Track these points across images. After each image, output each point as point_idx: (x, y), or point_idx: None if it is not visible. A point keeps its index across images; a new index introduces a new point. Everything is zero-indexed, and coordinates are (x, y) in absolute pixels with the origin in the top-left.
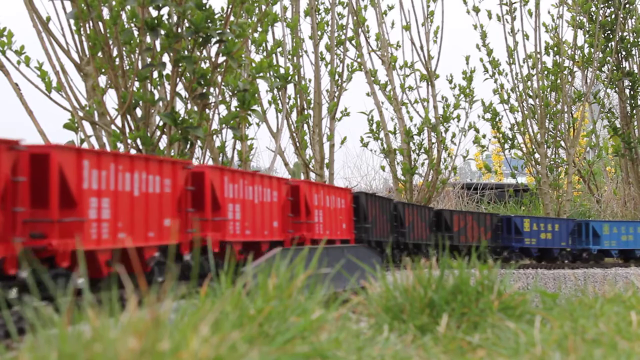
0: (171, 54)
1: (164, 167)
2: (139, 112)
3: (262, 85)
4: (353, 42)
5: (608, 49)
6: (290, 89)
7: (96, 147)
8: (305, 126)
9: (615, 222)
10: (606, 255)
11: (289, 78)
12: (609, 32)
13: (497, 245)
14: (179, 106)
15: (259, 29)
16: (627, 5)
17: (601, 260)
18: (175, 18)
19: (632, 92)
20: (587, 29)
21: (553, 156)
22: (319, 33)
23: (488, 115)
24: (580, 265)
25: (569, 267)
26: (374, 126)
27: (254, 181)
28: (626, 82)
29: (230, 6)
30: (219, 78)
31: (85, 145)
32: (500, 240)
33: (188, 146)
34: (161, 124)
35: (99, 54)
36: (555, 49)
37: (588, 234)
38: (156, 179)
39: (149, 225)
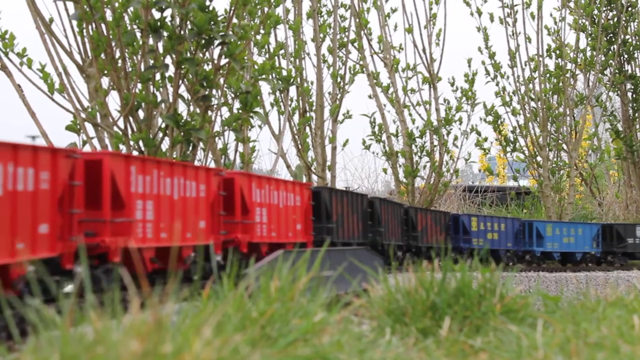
0: (174, 56)
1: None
2: (141, 113)
3: (265, 88)
4: (355, 44)
5: (610, 52)
6: (293, 91)
7: (98, 148)
8: (308, 128)
9: (558, 222)
10: (548, 258)
11: (291, 80)
12: (612, 35)
13: (454, 246)
14: (182, 108)
15: (262, 31)
16: (630, 9)
17: (543, 263)
18: (178, 20)
19: (634, 95)
20: (590, 32)
21: (555, 159)
22: (322, 35)
23: (490, 118)
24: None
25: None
26: (376, 129)
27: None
28: (628, 85)
29: (233, 8)
30: (222, 80)
31: (87, 147)
32: (452, 241)
33: (190, 148)
34: (163, 125)
35: (102, 55)
36: (558, 51)
37: (532, 234)
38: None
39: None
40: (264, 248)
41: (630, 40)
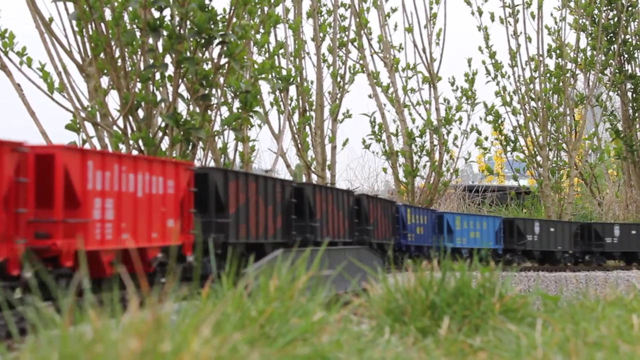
0: (173, 55)
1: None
2: (141, 113)
3: (264, 87)
4: (355, 44)
5: (610, 52)
6: (293, 90)
7: (98, 148)
8: (307, 128)
9: (466, 215)
10: (459, 254)
11: (291, 80)
12: (612, 34)
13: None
14: (181, 107)
15: (262, 31)
16: (630, 8)
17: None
18: (177, 19)
19: (634, 95)
20: (590, 31)
21: (555, 159)
22: (321, 35)
23: (490, 118)
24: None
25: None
26: (376, 128)
27: None
28: (628, 85)
29: (233, 8)
30: (221, 79)
31: (87, 146)
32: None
33: (190, 147)
34: (163, 125)
35: (101, 55)
36: (558, 51)
37: (442, 228)
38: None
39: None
40: (108, 257)
41: (630, 40)
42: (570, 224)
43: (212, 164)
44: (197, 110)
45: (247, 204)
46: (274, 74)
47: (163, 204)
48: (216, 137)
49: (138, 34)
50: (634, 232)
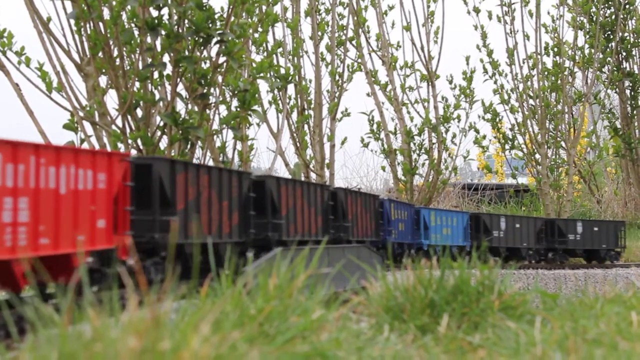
0: (172, 54)
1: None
2: (139, 112)
3: (263, 86)
4: (353, 42)
5: (608, 50)
6: (291, 89)
7: (97, 147)
8: (306, 126)
9: (440, 210)
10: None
11: (290, 78)
12: (610, 32)
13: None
14: (180, 106)
15: (260, 29)
16: (628, 6)
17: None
18: (175, 18)
19: (632, 93)
20: (588, 29)
21: (553, 157)
22: (320, 33)
23: (488, 116)
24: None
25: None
26: (375, 126)
27: None
28: (627, 83)
29: (231, 6)
30: (220, 78)
31: (85, 145)
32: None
33: (189, 146)
34: (162, 124)
35: (100, 54)
36: (556, 49)
37: (419, 224)
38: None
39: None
40: (21, 268)
41: (628, 37)
42: (535, 219)
43: (211, 162)
44: (196, 109)
45: (197, 199)
46: (272, 73)
47: (92, 201)
48: (215, 136)
49: (136, 33)
50: (596, 228)
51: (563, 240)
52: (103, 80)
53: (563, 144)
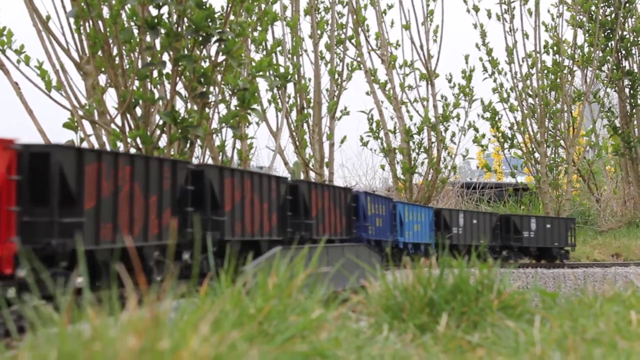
0: (171, 53)
1: None
2: (138, 111)
3: (262, 84)
4: (353, 41)
5: (608, 48)
6: (290, 88)
7: (96, 146)
8: (305, 125)
9: (412, 205)
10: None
11: (289, 77)
12: (609, 31)
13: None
14: (179, 105)
15: (259, 28)
16: (627, 5)
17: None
18: (175, 17)
19: (631, 92)
20: (587, 28)
21: (553, 155)
22: (319, 32)
23: (488, 115)
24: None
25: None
26: (374, 125)
27: None
28: (626, 82)
29: (230, 5)
30: (219, 77)
31: (85, 145)
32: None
33: (188, 145)
34: (161, 122)
35: (99, 52)
36: (555, 48)
37: (396, 220)
38: None
39: None
40: None
41: (627, 36)
42: (491, 215)
43: (210, 161)
44: (195, 108)
45: (115, 196)
46: (271, 72)
47: None
48: (214, 135)
49: (136, 31)
50: (548, 225)
51: (518, 238)
52: (102, 79)
53: (562, 142)
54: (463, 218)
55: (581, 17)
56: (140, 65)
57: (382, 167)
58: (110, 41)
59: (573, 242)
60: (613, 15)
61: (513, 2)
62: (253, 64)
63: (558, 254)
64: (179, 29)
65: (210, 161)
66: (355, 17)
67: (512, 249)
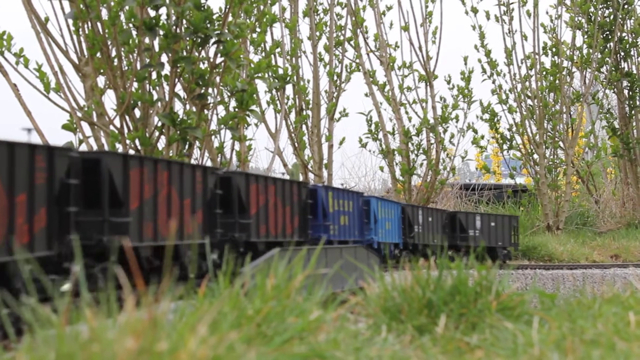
0: (170, 55)
1: None
2: (137, 112)
3: (261, 86)
4: (352, 42)
5: (607, 50)
6: (289, 89)
7: (95, 147)
8: (304, 127)
9: (384, 200)
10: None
11: (288, 79)
12: (608, 32)
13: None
14: (178, 107)
15: (258, 30)
16: (626, 6)
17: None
18: (173, 18)
19: (630, 93)
20: (586, 29)
21: (552, 157)
22: (318, 34)
23: (486, 116)
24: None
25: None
26: (373, 127)
27: None
28: (625, 83)
29: (229, 7)
30: (218, 78)
31: (83, 146)
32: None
33: (187, 147)
34: (160, 124)
35: (98, 54)
36: (554, 49)
37: (369, 216)
38: None
39: None
40: None
41: (626, 37)
42: (442, 212)
43: (209, 163)
44: (194, 109)
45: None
46: (270, 73)
47: None
48: (213, 137)
49: (134, 33)
50: (493, 224)
51: (464, 237)
52: (101, 81)
53: (561, 144)
54: (421, 215)
55: (580, 18)
56: (138, 67)
57: (381, 168)
58: (109, 43)
59: (516, 242)
60: (612, 17)
61: (512, 3)
62: (252, 65)
63: (501, 255)
64: (178, 31)
65: (209, 162)
66: (354, 18)
67: (459, 249)
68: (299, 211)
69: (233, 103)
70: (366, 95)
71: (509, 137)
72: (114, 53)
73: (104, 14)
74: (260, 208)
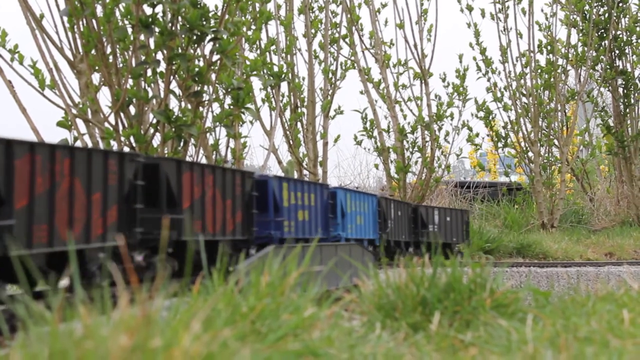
0: (165, 52)
1: None
2: (132, 109)
3: (256, 84)
4: (347, 40)
5: (602, 48)
6: (284, 87)
7: (89, 144)
8: (299, 124)
9: (354, 192)
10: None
11: (283, 76)
12: (603, 30)
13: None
14: (173, 104)
15: (253, 27)
16: (621, 4)
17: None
18: (169, 15)
19: (625, 91)
20: (581, 27)
21: (546, 155)
22: (313, 31)
23: (481, 114)
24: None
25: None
26: (368, 124)
27: None
28: (619, 81)
29: (225, 4)
30: (213, 76)
31: (78, 143)
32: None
33: (182, 144)
34: (155, 121)
35: (93, 51)
36: (549, 47)
37: (335, 211)
38: None
39: None
40: None
41: (621, 35)
42: (408, 206)
43: (204, 160)
44: (189, 106)
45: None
46: (265, 71)
47: None
48: (208, 134)
49: (130, 30)
50: (448, 218)
51: (424, 232)
52: (96, 78)
53: (556, 142)
54: (393, 210)
55: (575, 16)
56: (134, 64)
57: (376, 166)
58: (104, 40)
59: (468, 238)
60: (607, 15)
61: (507, 1)
62: (247, 63)
63: (454, 252)
64: (173, 28)
65: (204, 160)
66: (349, 16)
67: (419, 245)
68: (244, 205)
69: (228, 100)
70: (361, 92)
71: (503, 135)
72: (109, 50)
73: (99, 10)
74: (194, 201)
